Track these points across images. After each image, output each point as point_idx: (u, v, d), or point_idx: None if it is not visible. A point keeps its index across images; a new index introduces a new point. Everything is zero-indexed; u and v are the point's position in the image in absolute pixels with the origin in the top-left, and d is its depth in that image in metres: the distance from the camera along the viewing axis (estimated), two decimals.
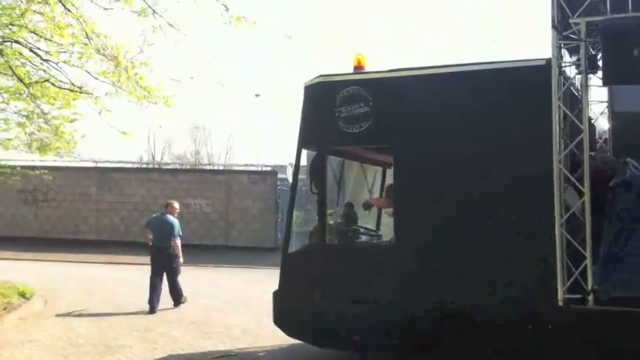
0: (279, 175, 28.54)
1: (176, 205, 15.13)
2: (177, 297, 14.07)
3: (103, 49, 11.65)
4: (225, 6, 11.73)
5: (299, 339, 9.67)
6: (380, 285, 8.67)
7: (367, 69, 9.26)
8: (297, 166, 9.66)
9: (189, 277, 15.31)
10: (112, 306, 14.07)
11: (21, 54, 13.33)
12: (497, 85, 8.37)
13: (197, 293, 15.36)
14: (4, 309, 12.36)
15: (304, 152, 9.65)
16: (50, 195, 28.32)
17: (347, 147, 9.71)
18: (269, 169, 29.56)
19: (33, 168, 18.51)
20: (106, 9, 12.20)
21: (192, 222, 27.11)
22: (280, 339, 10.13)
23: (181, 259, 14.35)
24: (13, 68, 13.30)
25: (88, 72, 12.80)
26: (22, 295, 13.66)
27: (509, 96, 8.25)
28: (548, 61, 7.90)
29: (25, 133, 15.55)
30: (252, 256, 24.07)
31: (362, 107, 8.89)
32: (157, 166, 37.44)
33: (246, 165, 30.36)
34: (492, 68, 8.52)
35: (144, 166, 37.60)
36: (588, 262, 7.59)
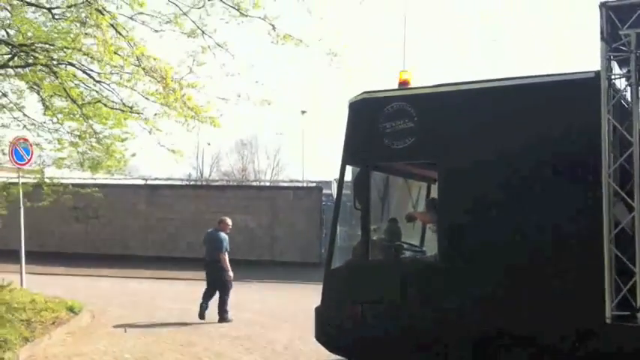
0: (324, 191, 28.73)
1: (229, 221, 15.64)
2: (222, 314, 14.36)
3: (152, 71, 11.99)
4: (273, 25, 12.00)
5: (340, 355, 9.74)
6: (422, 304, 8.66)
7: (412, 85, 9.29)
8: (340, 182, 9.73)
9: (234, 292, 15.46)
10: (158, 321, 14.40)
11: (75, 76, 13.79)
12: (544, 99, 8.28)
13: (241, 308, 15.60)
14: (53, 323, 12.65)
15: (348, 168, 9.71)
16: (100, 212, 28.93)
17: (391, 163, 9.74)
18: (314, 184, 29.81)
19: (84, 186, 19.01)
20: (157, 31, 12.64)
21: (238, 237, 27.42)
22: (323, 355, 10.27)
23: (231, 274, 14.87)
24: (67, 90, 13.76)
25: (139, 92, 13.21)
26: (71, 309, 13.97)
27: (558, 109, 8.16)
28: (598, 73, 7.76)
29: (78, 152, 16.01)
30: (296, 272, 24.23)
31: (407, 123, 8.89)
32: (204, 183, 38.02)
33: (291, 181, 30.67)
34: (539, 82, 8.41)
35: (192, 182, 38.24)
36: (638, 278, 7.44)
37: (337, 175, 9.85)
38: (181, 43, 12.77)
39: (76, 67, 13.54)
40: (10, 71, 14.31)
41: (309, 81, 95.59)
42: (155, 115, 13.53)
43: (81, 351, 11.35)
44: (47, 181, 17.63)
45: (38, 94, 14.47)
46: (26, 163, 16.35)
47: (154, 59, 11.63)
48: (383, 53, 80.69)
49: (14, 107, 15.22)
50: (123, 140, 15.19)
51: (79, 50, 12.79)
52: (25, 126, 15.44)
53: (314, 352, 10.68)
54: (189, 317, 14.65)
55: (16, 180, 17.11)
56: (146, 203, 29.37)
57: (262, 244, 27.99)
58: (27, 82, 14.31)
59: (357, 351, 9.21)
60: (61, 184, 18.05)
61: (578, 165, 7.98)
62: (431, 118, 8.90)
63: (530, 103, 8.34)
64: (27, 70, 13.89)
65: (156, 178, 32.57)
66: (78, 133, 15.27)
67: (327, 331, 9.61)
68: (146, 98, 13.35)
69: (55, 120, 15.09)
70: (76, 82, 14.00)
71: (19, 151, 16.16)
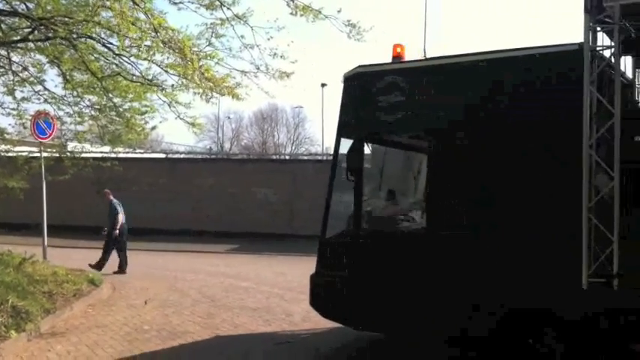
0: (344, 164, 28.61)
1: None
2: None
3: (170, 42, 11.95)
4: None
5: (333, 320, 10.02)
6: (410, 272, 8.84)
7: (406, 58, 9.32)
8: (335, 154, 10.00)
9: (254, 265, 15.64)
10: (178, 293, 14.48)
11: (94, 49, 13.81)
12: (531, 70, 8.31)
13: (260, 281, 15.67)
14: (74, 296, 12.79)
15: (343, 141, 9.80)
16: (122, 185, 29.08)
17: (384, 135, 9.95)
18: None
19: (105, 159, 19.10)
20: (175, 3, 12.60)
21: (258, 211, 27.55)
22: (339, 326, 10.31)
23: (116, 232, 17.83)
24: (87, 63, 13.80)
25: (157, 64, 13.19)
26: (92, 282, 14.13)
27: (544, 81, 8.20)
28: (581, 45, 7.76)
29: (98, 125, 16.09)
30: (316, 245, 24.18)
31: (399, 96, 9.02)
32: (225, 157, 38.11)
33: (310, 154, 30.60)
34: (510, 56, 8.50)
35: (212, 156, 38.34)
36: (615, 245, 7.54)
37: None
38: (200, 16, 12.74)
39: (96, 41, 13.55)
40: (31, 45, 14.36)
41: (329, 53, 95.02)
42: (172, 86, 13.53)
43: (101, 322, 11.46)
44: (68, 154, 17.76)
45: (58, 67, 14.52)
46: (48, 136, 16.44)
47: (172, 30, 11.59)
48: (404, 25, 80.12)
49: (35, 81, 15.29)
50: (143, 113, 15.22)
51: (98, 23, 12.76)
52: (45, 99, 15.57)
53: (331, 324, 10.67)
54: (209, 290, 14.75)
55: (36, 154, 17.22)
56: (167, 177, 29.49)
57: (282, 218, 28.03)
58: (47, 56, 14.37)
59: (348, 317, 9.51)
60: (82, 157, 18.16)
61: (564, 135, 8.00)
62: (422, 92, 8.99)
63: (513, 75, 8.43)
64: (47, 43, 13.95)
65: (176, 152, 32.65)
66: (98, 107, 15.37)
67: (320, 298, 9.91)
68: (165, 71, 13.35)
69: (75, 94, 15.21)
70: (96, 55, 14.05)
71: (41, 125, 16.21)
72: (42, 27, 13.14)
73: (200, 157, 37.00)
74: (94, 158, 18.86)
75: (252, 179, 28.47)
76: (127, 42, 13.00)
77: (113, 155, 20.28)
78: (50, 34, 13.22)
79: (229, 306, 13.06)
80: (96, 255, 17.61)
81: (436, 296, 8.58)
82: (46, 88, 15.36)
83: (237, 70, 12.97)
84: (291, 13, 12.12)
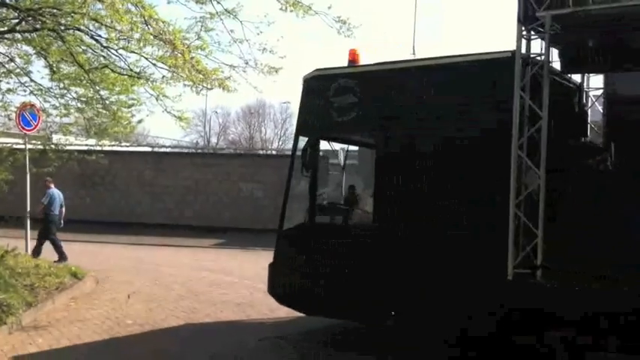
0: (331, 161, 28.64)
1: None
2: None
3: (161, 34, 11.89)
4: None
5: (288, 307, 10.64)
6: (358, 262, 9.42)
7: (361, 62, 9.91)
8: (294, 151, 10.67)
9: (239, 260, 15.61)
10: (162, 287, 14.42)
11: (82, 41, 13.72)
12: (467, 77, 8.85)
13: (245, 276, 15.65)
14: (56, 289, 12.68)
15: (301, 138, 10.45)
16: (107, 179, 28.98)
17: (337, 134, 10.69)
18: (321, 154, 29.71)
19: (90, 152, 18.97)
20: None
21: (244, 206, 27.50)
22: (325, 321, 10.50)
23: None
24: (75, 55, 13.71)
25: (146, 57, 13.13)
26: (74, 275, 14.00)
27: (479, 86, 8.77)
28: (514, 53, 8.27)
29: (84, 118, 15.99)
30: None
31: (351, 98, 9.67)
32: (211, 151, 38.01)
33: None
34: (451, 62, 9.15)
35: (199, 150, 38.24)
36: (539, 239, 8.06)
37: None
38: (190, 10, 12.69)
39: (84, 32, 13.47)
40: (18, 36, 14.27)
41: (318, 50, 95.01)
42: (163, 77, 13.45)
43: (84, 316, 11.40)
44: (53, 147, 17.64)
45: (45, 59, 14.41)
46: (33, 128, 16.31)
47: (163, 22, 11.54)
48: (394, 24, 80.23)
49: (21, 72, 15.18)
50: (129, 106, 15.14)
51: (87, 15, 12.69)
52: (31, 91, 15.45)
53: (316, 320, 10.75)
54: (194, 284, 14.72)
55: (21, 146, 17.10)
56: (153, 170, 29.39)
57: (268, 213, 27.92)
58: (34, 47, 14.28)
59: (302, 304, 10.27)
60: (67, 150, 18.05)
61: (494, 137, 8.53)
62: (371, 94, 9.64)
63: (456, 79, 8.94)
64: (34, 35, 13.85)
65: (162, 146, 32.53)
66: (84, 99, 15.25)
67: (277, 286, 10.60)
68: (154, 64, 13.29)
69: (61, 85, 15.10)
70: (84, 47, 13.96)
71: (26, 117, 16.09)
72: (29, 18, 13.06)
73: (186, 151, 36.85)
74: (79, 151, 18.75)
75: (238, 174, 28.42)
76: (115, 34, 12.96)
77: (98, 148, 20.16)
78: (38, 26, 13.14)
79: (213, 301, 13.02)
80: (77, 248, 17.54)
81: (377, 283, 9.18)
82: (32, 80, 15.29)
83: (226, 65, 12.95)
84: (281, 9, 12.09)
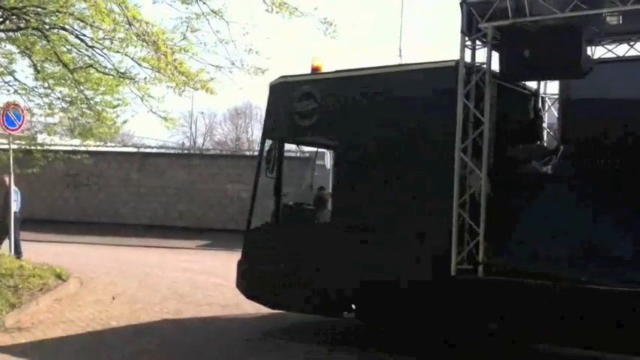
0: (317, 162, 28.59)
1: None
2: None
3: (144, 35, 11.84)
4: None
5: (254, 301, 11.18)
6: (317, 258, 10.02)
7: (323, 70, 10.55)
8: (261, 153, 11.29)
9: (224, 261, 15.39)
10: (147, 289, 14.34)
11: (67, 40, 13.64)
12: (414, 84, 9.53)
13: (231, 277, 15.53)
14: (40, 290, 12.54)
15: (267, 142, 11.12)
16: (92, 179, 28.82)
17: (300, 137, 11.31)
18: (307, 155, 29.71)
19: (75, 152, 18.84)
20: None
21: (230, 207, 27.40)
22: (309, 323, 10.57)
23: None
24: (59, 54, 13.61)
25: (130, 57, 13.06)
26: (59, 276, 13.83)
27: (428, 93, 9.35)
28: (457, 62, 8.94)
29: (69, 118, 15.88)
30: None
31: (312, 103, 10.30)
32: (197, 152, 37.91)
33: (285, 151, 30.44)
34: (401, 70, 10.08)
35: (184, 151, 38.12)
36: (481, 237, 8.66)
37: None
38: (176, 10, 12.64)
39: (69, 32, 13.40)
40: (1, 35, 14.15)
41: (304, 51, 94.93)
42: (145, 79, 13.40)
43: (67, 318, 11.31)
44: (39, 147, 17.52)
45: (29, 58, 14.30)
46: (17, 128, 16.12)
47: (146, 23, 11.48)
48: (382, 26, 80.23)
49: (5, 71, 15.06)
50: (114, 107, 15.04)
51: (71, 14, 12.62)
52: (15, 90, 15.34)
53: (299, 317, 10.85)
54: (179, 286, 14.65)
55: (5, 146, 16.94)
56: (138, 171, 29.25)
57: None
58: (18, 47, 14.17)
59: (266, 298, 10.86)
60: (52, 150, 17.92)
61: (441, 140, 9.12)
62: (329, 100, 10.20)
63: (403, 87, 9.60)
64: (18, 34, 13.73)
65: (148, 147, 32.41)
66: (69, 99, 15.13)
67: (243, 281, 11.16)
68: (139, 64, 13.23)
69: (45, 85, 14.96)
70: (68, 46, 13.87)
71: (10, 117, 15.94)
72: (14, 17, 12.97)
73: (172, 151, 36.71)
74: (64, 151, 18.62)
75: (224, 175, 28.33)
76: (100, 34, 12.89)
77: (83, 148, 20.02)
78: (22, 25, 13.05)
79: (199, 302, 12.98)
80: (61, 249, 17.41)
81: (335, 278, 9.75)
82: (16, 79, 15.18)
83: (212, 65, 12.91)
84: (267, 10, 12.08)
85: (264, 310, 11.62)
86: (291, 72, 10.94)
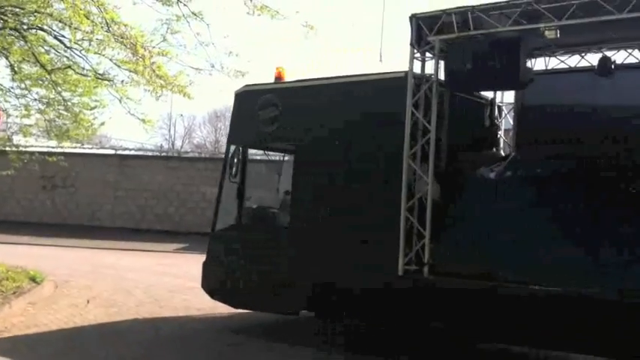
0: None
1: None
2: None
3: (123, 37, 11.79)
4: None
5: (219, 301, 11.50)
6: (275, 259, 10.53)
7: (286, 79, 10.98)
8: (226, 158, 11.63)
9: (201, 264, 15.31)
10: (123, 293, 14.20)
11: (45, 41, 13.54)
12: (367, 93, 9.97)
13: None
14: (14, 293, 12.37)
15: (231, 147, 11.53)
16: (69, 181, 28.60)
17: (263, 144, 11.77)
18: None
19: (51, 154, 18.67)
20: None
21: (208, 210, 27.26)
22: (290, 326, 10.68)
23: None
24: (37, 55, 13.50)
25: (109, 59, 13.00)
26: (33, 279, 13.68)
27: (379, 102, 9.80)
28: (406, 73, 9.43)
29: (45, 119, 15.73)
30: None
31: (274, 111, 10.78)
32: (176, 155, 37.75)
33: (264, 154, 30.42)
34: (355, 81, 10.23)
35: (163, 154, 37.91)
36: (427, 240, 9.14)
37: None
38: (156, 11, 12.60)
39: (47, 33, 13.31)
40: None
41: (286, 54, 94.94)
42: (122, 82, 13.34)
43: (41, 321, 11.18)
44: (14, 148, 17.31)
45: (6, 58, 14.14)
46: None
47: (125, 25, 11.43)
48: (363, 29, 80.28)
49: None
50: (92, 108, 14.93)
51: (50, 15, 12.53)
52: None
53: (281, 320, 10.92)
54: (155, 290, 14.56)
55: None
56: (116, 174, 29.07)
57: None
58: None
59: (228, 298, 11.27)
60: (27, 151, 17.73)
61: (391, 147, 9.55)
62: (290, 108, 10.69)
63: (357, 96, 10.06)
64: None
65: (126, 149, 32.22)
66: (46, 100, 15.01)
67: (207, 281, 11.52)
68: (118, 66, 13.16)
69: (22, 86, 14.81)
70: (47, 47, 13.76)
71: None
72: None
73: (150, 154, 36.50)
74: (40, 152, 18.42)
75: (202, 178, 28.21)
76: (78, 35, 12.79)
77: (60, 150, 19.84)
78: None
79: (175, 307, 12.89)
80: (36, 252, 17.22)
81: (292, 278, 10.22)
82: None
83: (192, 68, 12.88)
84: (248, 13, 12.10)
85: (243, 312, 11.62)
86: (272, 75, 11.07)
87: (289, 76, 10.98)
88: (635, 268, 8.11)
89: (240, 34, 12.72)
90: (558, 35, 8.84)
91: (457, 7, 9.18)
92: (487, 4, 8.98)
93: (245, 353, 9.86)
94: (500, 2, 8.87)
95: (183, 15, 12.38)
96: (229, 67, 12.89)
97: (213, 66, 12.85)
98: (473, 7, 9.03)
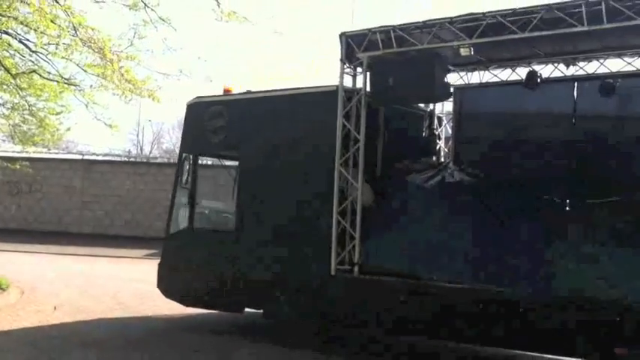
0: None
1: None
2: None
3: (90, 42, 11.70)
4: (217, 1, 11.95)
5: (172, 300, 11.98)
6: (223, 260, 11.14)
7: (233, 92, 11.66)
8: (179, 166, 12.23)
9: None
10: (90, 299, 14.06)
11: (10, 45, 13.37)
12: (300, 106, 10.68)
13: None
14: None
15: (184, 155, 12.11)
16: (35, 186, 28.28)
17: (211, 152, 12.43)
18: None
19: (16, 160, 18.43)
20: (97, 1, 12.32)
21: None
22: (258, 331, 10.60)
23: None
24: (1, 59, 13.32)
25: (76, 63, 12.88)
26: None
27: (314, 113, 10.48)
28: (337, 87, 10.07)
29: (9, 124, 15.54)
30: None
31: (220, 122, 11.41)
32: (144, 160, 37.47)
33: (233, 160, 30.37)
34: (292, 93, 10.90)
35: (131, 159, 37.61)
36: (357, 241, 9.85)
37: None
38: (123, 16, 12.54)
39: (12, 36, 13.14)
40: None
41: (255, 59, 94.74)
42: (91, 87, 13.24)
43: (5, 328, 10.99)
44: None
45: None
46: None
47: (92, 29, 11.35)
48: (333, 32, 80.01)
49: None
50: (58, 113, 14.80)
51: (15, 19, 12.39)
52: None
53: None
54: (124, 296, 14.43)
55: None
56: (82, 179, 28.79)
57: None
58: None
59: (181, 297, 11.82)
60: None
61: (323, 155, 10.18)
62: (235, 119, 11.32)
63: (293, 108, 10.78)
64: None
65: (93, 154, 31.93)
66: (10, 105, 14.84)
67: (162, 282, 12.01)
68: (84, 70, 13.05)
69: None
70: (11, 51, 13.59)
71: None
72: None
73: (118, 159, 36.20)
74: (3, 157, 18.19)
75: (171, 183, 27.88)
76: (45, 39, 12.66)
77: (25, 155, 19.59)
78: None
79: (144, 313, 12.78)
80: (1, 258, 16.96)
81: (238, 278, 10.87)
82: None
83: (160, 73, 12.83)
84: (216, 19, 12.13)
85: (212, 319, 11.56)
86: (241, 80, 11.26)
87: (252, 85, 11.62)
88: (539, 270, 8.79)
89: (210, 40, 12.71)
90: (472, 52, 9.55)
91: (381, 26, 9.76)
92: (407, 24, 9.60)
93: (219, 350, 9.99)
94: (418, 22, 9.52)
95: (151, 20, 12.35)
96: (198, 73, 12.87)
97: (181, 71, 12.84)
98: (393, 26, 9.64)
